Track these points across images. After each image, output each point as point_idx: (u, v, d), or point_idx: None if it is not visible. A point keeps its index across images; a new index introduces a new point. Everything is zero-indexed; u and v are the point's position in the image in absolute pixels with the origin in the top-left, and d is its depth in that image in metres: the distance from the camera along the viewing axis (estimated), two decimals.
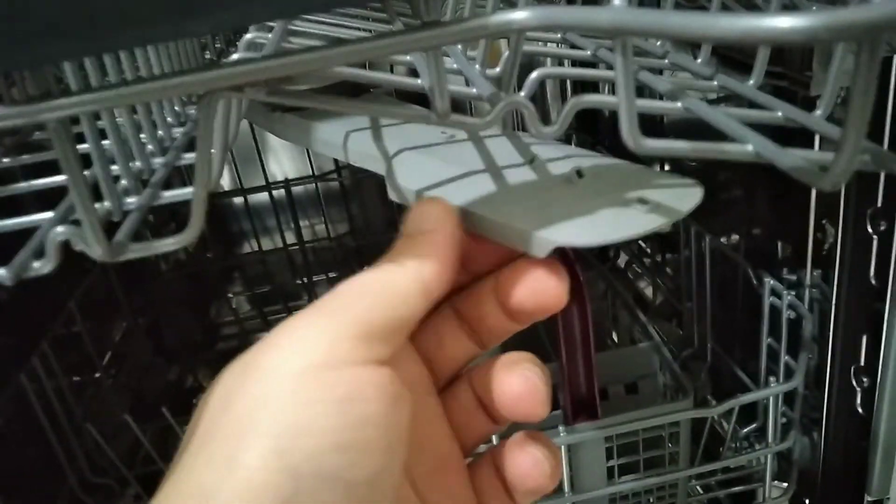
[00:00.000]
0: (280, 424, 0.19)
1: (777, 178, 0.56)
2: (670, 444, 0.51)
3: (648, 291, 0.84)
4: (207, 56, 0.46)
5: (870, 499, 0.51)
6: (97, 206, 0.23)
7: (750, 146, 0.18)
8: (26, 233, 0.26)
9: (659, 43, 0.34)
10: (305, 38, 0.31)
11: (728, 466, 0.56)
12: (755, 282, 0.54)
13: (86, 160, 0.23)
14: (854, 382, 0.49)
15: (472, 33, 0.19)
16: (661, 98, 0.26)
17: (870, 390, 0.49)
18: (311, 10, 0.29)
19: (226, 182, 0.92)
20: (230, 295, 0.97)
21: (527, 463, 0.26)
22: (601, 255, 0.94)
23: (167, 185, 0.28)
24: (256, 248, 0.92)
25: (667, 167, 0.78)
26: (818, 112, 0.23)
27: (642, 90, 0.24)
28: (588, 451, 0.49)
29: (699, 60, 0.30)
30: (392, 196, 0.32)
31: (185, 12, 0.17)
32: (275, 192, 0.87)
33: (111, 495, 0.55)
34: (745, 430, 0.55)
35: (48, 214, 0.26)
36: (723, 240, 0.63)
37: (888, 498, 0.50)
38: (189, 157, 0.30)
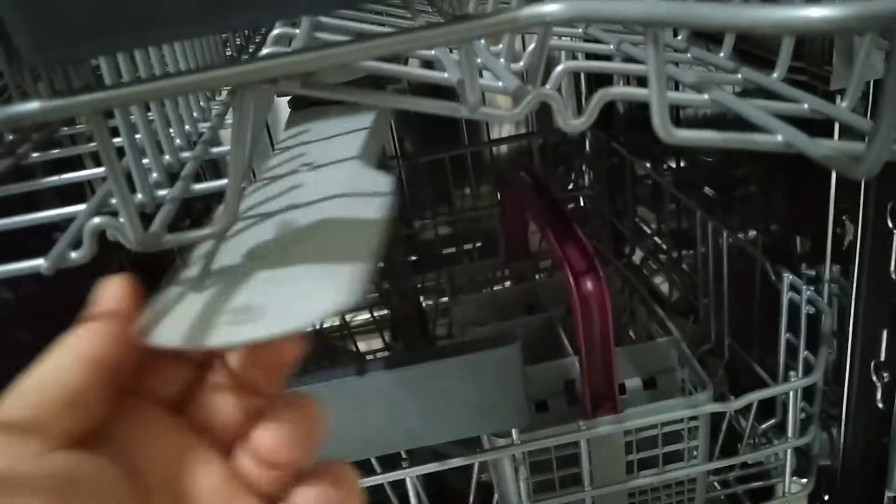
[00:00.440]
0: None
1: (796, 174, 0.56)
2: (689, 440, 0.51)
3: (664, 288, 0.84)
4: (228, 53, 0.46)
5: (890, 494, 0.51)
6: None
7: (780, 136, 0.19)
8: (23, 232, 0.26)
9: (680, 37, 0.34)
10: (330, 32, 0.31)
11: (746, 462, 0.56)
12: (773, 277, 0.54)
13: (117, 155, 0.24)
14: (874, 377, 0.49)
15: (504, 27, 0.20)
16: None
17: (890, 385, 0.48)
18: (341, 7, 0.29)
19: None
20: None
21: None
22: (617, 252, 0.94)
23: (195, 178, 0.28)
24: None
25: (674, 164, 0.78)
26: (844, 104, 0.23)
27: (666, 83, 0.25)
28: (607, 445, 0.49)
29: (722, 55, 0.30)
30: None
31: (225, 8, 0.17)
32: None
33: None
34: (764, 425, 0.55)
35: (82, 206, 0.27)
36: (740, 235, 0.63)
37: None
38: (216, 151, 0.31)
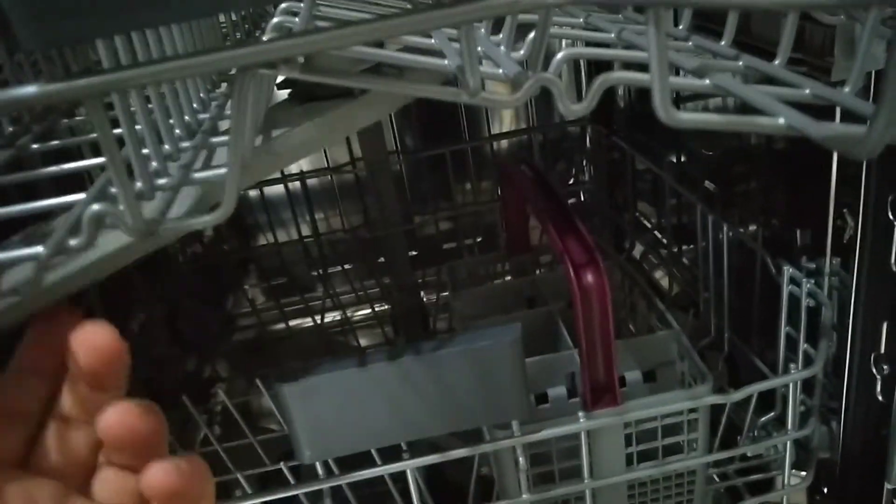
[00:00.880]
0: None
1: (796, 167, 0.56)
2: (689, 432, 0.51)
3: (664, 282, 0.84)
4: (228, 45, 0.46)
5: (889, 487, 0.51)
6: None
7: (781, 119, 0.18)
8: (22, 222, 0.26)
9: (681, 27, 0.34)
10: (329, 21, 0.31)
11: (746, 455, 0.56)
12: (773, 270, 0.54)
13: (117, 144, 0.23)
14: (874, 370, 0.49)
15: (504, 9, 0.19)
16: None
17: (890, 378, 0.48)
18: None
19: None
20: (246, 286, 0.97)
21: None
22: (617, 246, 0.94)
23: None
24: (272, 240, 0.93)
25: (674, 159, 0.77)
26: (846, 89, 0.23)
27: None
28: (607, 437, 0.49)
29: (722, 42, 0.30)
30: None
31: None
32: (290, 185, 0.88)
33: None
34: (763, 418, 0.55)
35: (81, 195, 0.26)
36: (740, 229, 0.63)
37: None
38: (216, 140, 0.31)
